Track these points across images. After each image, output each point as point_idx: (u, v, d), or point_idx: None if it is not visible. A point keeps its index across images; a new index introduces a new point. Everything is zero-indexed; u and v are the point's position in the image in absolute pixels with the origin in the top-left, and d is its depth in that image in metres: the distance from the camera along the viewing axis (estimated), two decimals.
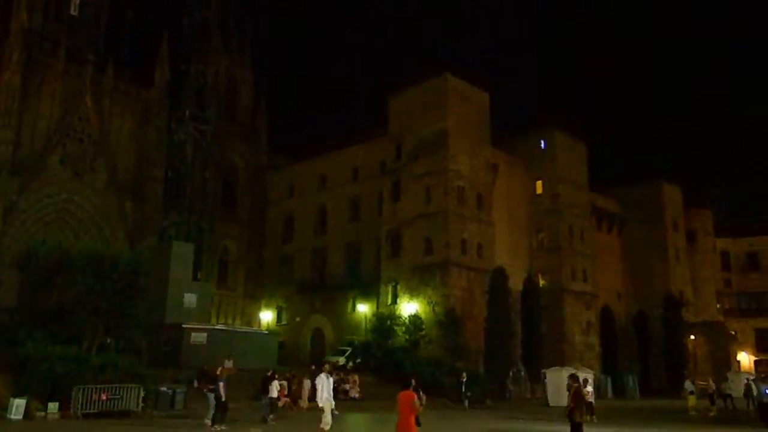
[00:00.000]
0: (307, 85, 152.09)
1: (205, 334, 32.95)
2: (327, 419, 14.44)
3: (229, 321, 52.75)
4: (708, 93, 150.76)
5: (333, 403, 14.80)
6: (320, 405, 14.66)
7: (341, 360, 39.48)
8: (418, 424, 11.38)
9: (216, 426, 18.51)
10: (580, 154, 55.54)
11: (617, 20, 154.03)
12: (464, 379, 30.22)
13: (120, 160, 50.43)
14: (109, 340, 25.35)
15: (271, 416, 21.37)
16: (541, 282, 47.67)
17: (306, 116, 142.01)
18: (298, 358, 46.85)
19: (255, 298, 56.42)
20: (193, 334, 32.54)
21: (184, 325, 32.85)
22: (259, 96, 61.74)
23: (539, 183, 52.96)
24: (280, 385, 27.44)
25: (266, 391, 21.35)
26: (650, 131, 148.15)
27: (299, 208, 56.32)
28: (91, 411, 19.91)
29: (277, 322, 54.33)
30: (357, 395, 30.81)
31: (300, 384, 26.74)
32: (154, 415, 21.36)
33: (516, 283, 42.30)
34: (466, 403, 29.47)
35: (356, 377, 32.21)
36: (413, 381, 11.47)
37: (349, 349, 41.42)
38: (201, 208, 53.75)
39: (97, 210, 47.95)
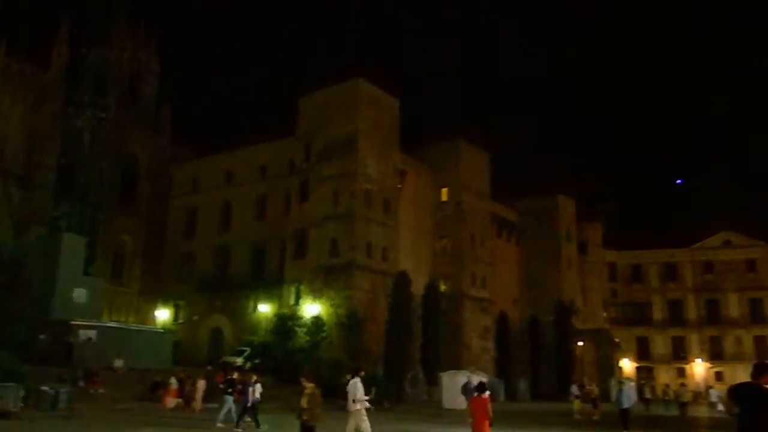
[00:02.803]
0: (215, 78, 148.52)
1: (94, 332, 31.72)
2: (365, 425, 14.03)
3: (122, 318, 50.63)
4: (602, 111, 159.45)
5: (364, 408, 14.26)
6: (352, 410, 14.07)
7: (239, 360, 38.82)
8: (490, 425, 12.01)
9: (239, 426, 18.84)
10: (483, 164, 57.27)
11: (525, 34, 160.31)
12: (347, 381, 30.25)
13: (9, 144, 47.36)
14: None
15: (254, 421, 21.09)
16: (442, 287, 48.67)
17: (213, 110, 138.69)
18: (194, 358, 45.55)
19: (151, 296, 54.36)
20: (81, 331, 31.23)
21: (72, 322, 31.45)
22: (164, 86, 59.78)
23: (444, 190, 54.17)
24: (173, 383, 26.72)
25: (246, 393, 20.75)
26: (548, 146, 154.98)
27: (203, 204, 54.81)
28: None
29: (174, 320, 52.58)
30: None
31: (194, 385, 26.00)
32: (34, 416, 20.17)
33: (418, 287, 43.01)
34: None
35: (254, 378, 31.69)
36: (486, 386, 12.44)
37: (248, 350, 40.83)
38: (96, 199, 51.27)
39: None
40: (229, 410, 19.86)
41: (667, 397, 44.53)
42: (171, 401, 25.88)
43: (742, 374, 61.97)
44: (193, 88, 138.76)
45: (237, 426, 18.91)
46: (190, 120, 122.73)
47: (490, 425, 11.92)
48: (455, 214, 53.23)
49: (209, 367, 35.40)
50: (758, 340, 66.57)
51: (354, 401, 13.97)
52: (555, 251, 64.07)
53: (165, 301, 53.42)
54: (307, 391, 12.11)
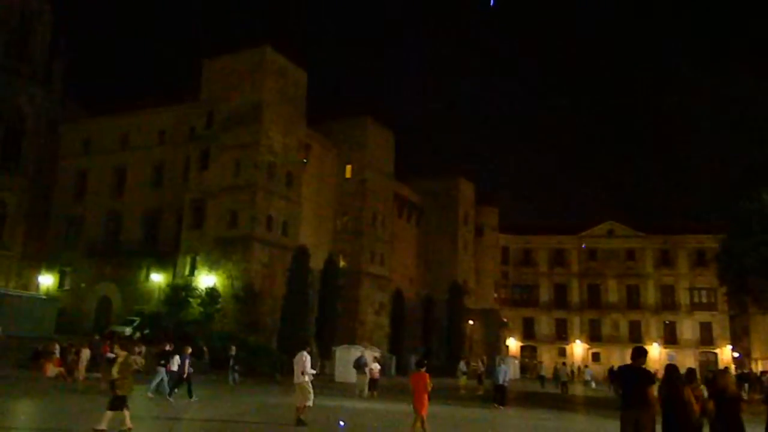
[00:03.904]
0: (115, 33, 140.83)
1: None
2: (310, 397, 14.58)
3: (2, 283, 47.61)
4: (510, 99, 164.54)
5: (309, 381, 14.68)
6: (297, 382, 14.50)
7: (128, 330, 37.76)
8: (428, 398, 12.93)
9: (186, 398, 19.11)
10: (388, 143, 57.93)
11: (434, 20, 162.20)
12: (233, 353, 30.12)
13: None
14: None
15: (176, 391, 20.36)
16: (342, 263, 49.14)
17: (110, 68, 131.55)
18: (80, 326, 43.70)
19: (35, 260, 51.35)
20: None
21: None
22: (58, 38, 56.03)
23: (349, 167, 54.46)
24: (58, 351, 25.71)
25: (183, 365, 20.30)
26: (452, 130, 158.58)
27: (95, 167, 52.13)
28: None
29: (60, 287, 50.09)
30: (139, 367, 29.55)
31: (78, 354, 25.06)
32: None
33: (317, 262, 43.17)
34: (236, 377, 29.27)
35: (142, 348, 30.89)
36: (425, 362, 13.47)
37: (138, 320, 39.73)
38: None
39: None
40: (161, 381, 19.87)
41: (559, 375, 47.09)
42: (52, 370, 24.86)
43: (616, 355, 66.58)
44: (90, 43, 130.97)
45: (169, 396, 19.17)
46: (84, 77, 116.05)
47: (429, 398, 12.87)
48: (358, 192, 53.65)
49: (96, 337, 34.10)
50: (633, 324, 71.69)
51: (303, 373, 14.52)
52: (453, 233, 66.04)
53: (50, 267, 50.71)
54: (119, 360, 11.93)
